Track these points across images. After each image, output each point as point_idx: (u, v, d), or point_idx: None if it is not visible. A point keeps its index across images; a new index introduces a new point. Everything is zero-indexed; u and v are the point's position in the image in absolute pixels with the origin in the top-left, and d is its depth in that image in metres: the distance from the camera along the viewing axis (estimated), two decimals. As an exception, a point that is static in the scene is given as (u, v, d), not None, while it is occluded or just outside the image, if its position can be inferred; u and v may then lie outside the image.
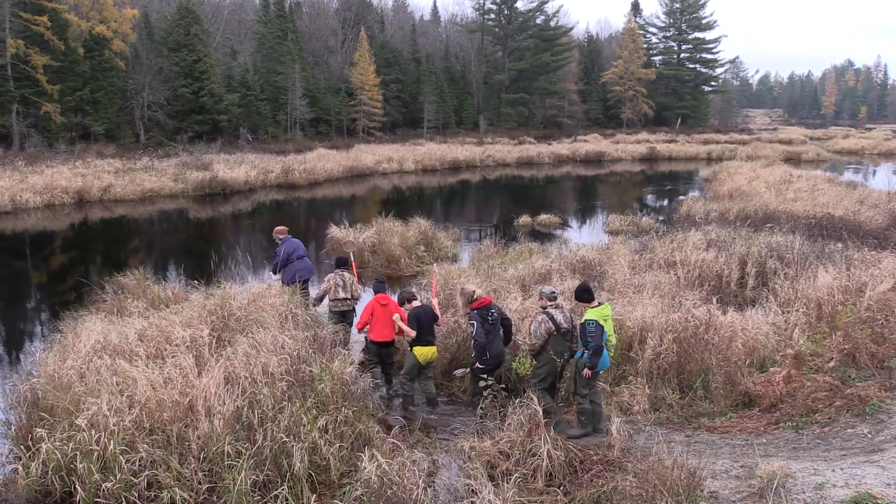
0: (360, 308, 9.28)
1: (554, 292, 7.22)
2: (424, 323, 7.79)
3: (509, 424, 6.10)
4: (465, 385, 8.23)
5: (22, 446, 6.04)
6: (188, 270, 14.88)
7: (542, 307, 7.13)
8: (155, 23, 48.54)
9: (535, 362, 7.14)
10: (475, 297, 7.40)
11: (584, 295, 6.86)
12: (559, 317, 6.95)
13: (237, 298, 8.74)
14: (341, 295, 9.35)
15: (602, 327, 6.55)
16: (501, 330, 7.45)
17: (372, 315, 8.22)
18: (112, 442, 5.46)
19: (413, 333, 7.75)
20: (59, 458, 5.54)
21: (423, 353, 7.73)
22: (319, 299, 9.70)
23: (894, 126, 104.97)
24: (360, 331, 8.59)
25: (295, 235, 11.01)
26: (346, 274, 9.55)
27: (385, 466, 5.33)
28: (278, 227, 10.93)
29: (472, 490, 5.26)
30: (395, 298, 8.55)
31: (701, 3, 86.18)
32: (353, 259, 9.68)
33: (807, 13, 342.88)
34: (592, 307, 6.74)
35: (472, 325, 7.25)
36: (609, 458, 5.75)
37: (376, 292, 8.48)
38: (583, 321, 6.70)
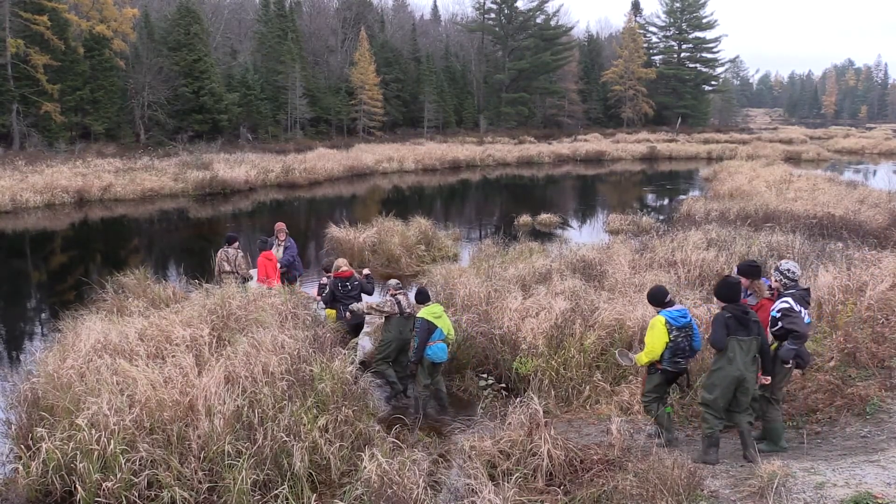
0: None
1: (399, 283, 8.54)
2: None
3: (510, 424, 6.10)
4: (464, 385, 8.35)
5: (22, 446, 6.04)
6: (188, 270, 14.88)
7: (392, 295, 8.28)
8: (155, 22, 48.50)
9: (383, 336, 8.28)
10: (339, 268, 9.29)
11: (418, 297, 8.04)
12: (404, 302, 8.20)
13: (237, 298, 8.75)
14: (227, 269, 10.66)
15: (428, 323, 7.54)
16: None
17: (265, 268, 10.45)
18: (112, 441, 5.47)
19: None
20: (59, 457, 5.54)
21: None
22: (219, 274, 10.63)
23: (894, 125, 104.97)
24: (260, 283, 10.33)
25: (295, 235, 11.21)
26: (231, 251, 10.79)
27: (385, 466, 5.33)
28: (280, 224, 11.66)
29: (473, 489, 5.25)
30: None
31: (701, 2, 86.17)
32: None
33: (807, 13, 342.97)
34: (426, 307, 7.74)
35: (327, 286, 9.38)
36: (609, 458, 5.75)
37: (261, 250, 10.83)
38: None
